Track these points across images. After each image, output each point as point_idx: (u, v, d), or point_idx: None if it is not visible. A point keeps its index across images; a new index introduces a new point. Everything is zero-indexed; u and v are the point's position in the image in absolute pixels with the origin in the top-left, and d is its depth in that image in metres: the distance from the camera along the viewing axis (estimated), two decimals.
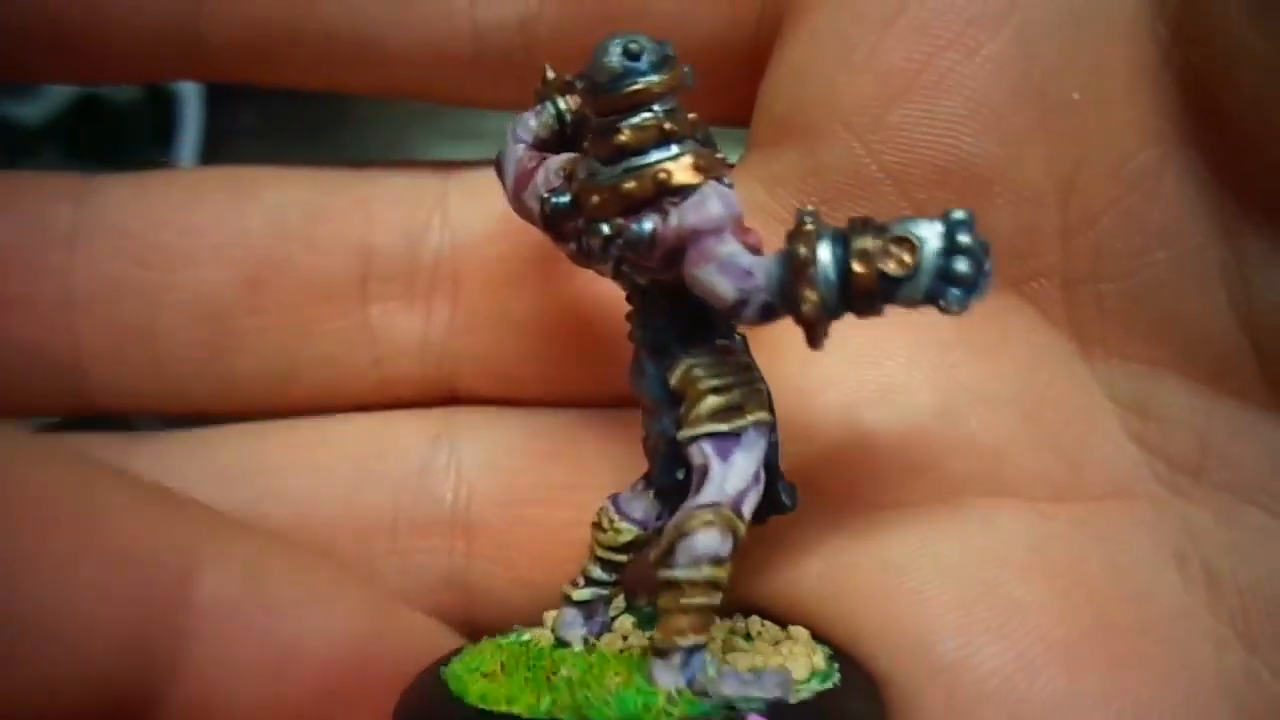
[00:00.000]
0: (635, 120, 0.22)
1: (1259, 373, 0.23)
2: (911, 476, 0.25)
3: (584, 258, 0.23)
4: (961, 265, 0.20)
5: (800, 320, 0.20)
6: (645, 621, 0.25)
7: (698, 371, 0.23)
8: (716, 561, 0.21)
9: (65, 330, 0.28)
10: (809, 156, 0.26)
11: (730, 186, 0.22)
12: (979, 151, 0.24)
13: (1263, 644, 0.23)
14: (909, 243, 0.20)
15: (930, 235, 0.20)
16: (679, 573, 0.21)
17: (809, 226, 0.20)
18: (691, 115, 0.22)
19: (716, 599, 0.22)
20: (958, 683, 0.23)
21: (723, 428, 0.22)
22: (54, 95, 0.57)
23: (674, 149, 0.22)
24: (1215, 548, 0.24)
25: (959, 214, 0.20)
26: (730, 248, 0.21)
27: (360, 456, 0.29)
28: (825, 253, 0.20)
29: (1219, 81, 0.22)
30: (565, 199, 0.23)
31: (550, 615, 0.26)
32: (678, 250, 0.21)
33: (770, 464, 0.23)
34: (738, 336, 0.24)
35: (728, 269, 0.21)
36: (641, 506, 0.24)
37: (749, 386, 0.23)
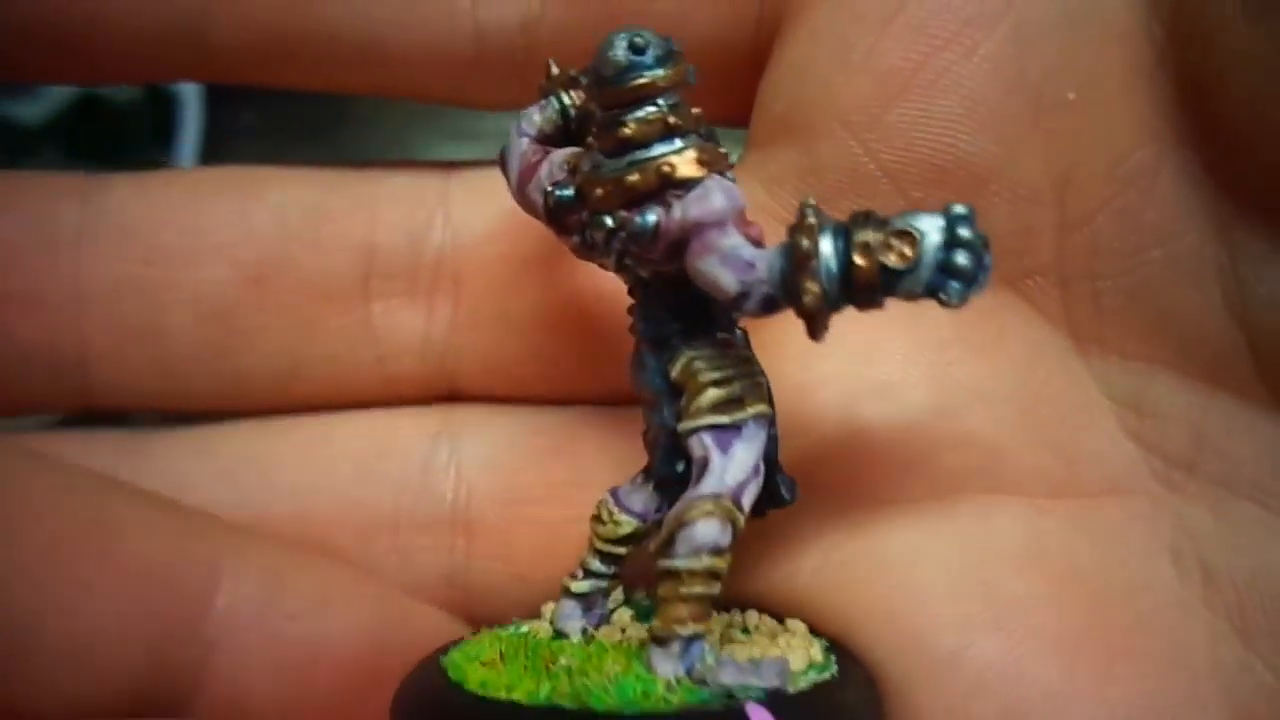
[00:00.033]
0: (640, 114, 0.22)
1: (1254, 370, 0.23)
2: (909, 472, 0.25)
3: (587, 250, 0.24)
4: (961, 259, 0.20)
5: (801, 312, 0.21)
6: (643, 614, 0.25)
7: (699, 364, 0.23)
8: (716, 551, 0.22)
9: (70, 328, 0.28)
10: (807, 155, 0.26)
11: (733, 180, 0.22)
12: (975, 150, 0.24)
13: (1258, 638, 0.23)
14: (910, 236, 0.20)
15: (931, 229, 0.20)
16: (679, 562, 0.22)
17: (811, 219, 0.21)
18: (695, 110, 0.22)
19: (716, 589, 0.22)
20: (953, 676, 0.23)
21: (723, 420, 0.22)
22: (54, 95, 0.57)
23: (678, 143, 0.22)
24: (1211, 543, 0.24)
25: (959, 208, 0.20)
26: (733, 240, 0.21)
27: (362, 454, 0.29)
28: (827, 245, 0.20)
29: (1214, 81, 0.22)
30: (569, 192, 0.23)
31: (548, 608, 0.26)
32: (680, 242, 0.22)
33: (770, 457, 0.23)
34: (738, 331, 0.24)
35: (730, 261, 0.21)
36: (641, 499, 0.24)
37: (750, 379, 0.23)
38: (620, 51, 0.22)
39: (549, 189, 0.24)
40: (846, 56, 0.25)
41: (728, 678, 0.21)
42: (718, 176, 0.22)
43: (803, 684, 0.22)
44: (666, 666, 0.22)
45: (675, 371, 0.23)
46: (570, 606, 0.25)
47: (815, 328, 0.21)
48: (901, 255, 0.20)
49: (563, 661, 0.23)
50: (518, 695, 0.21)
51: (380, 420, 0.30)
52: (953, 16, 0.24)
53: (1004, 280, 0.25)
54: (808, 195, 0.25)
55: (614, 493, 0.25)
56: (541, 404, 0.30)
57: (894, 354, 0.26)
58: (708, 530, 0.22)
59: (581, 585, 0.25)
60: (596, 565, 0.25)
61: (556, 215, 0.24)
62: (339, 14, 0.27)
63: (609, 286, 0.24)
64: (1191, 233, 0.23)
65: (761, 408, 0.23)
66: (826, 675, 0.23)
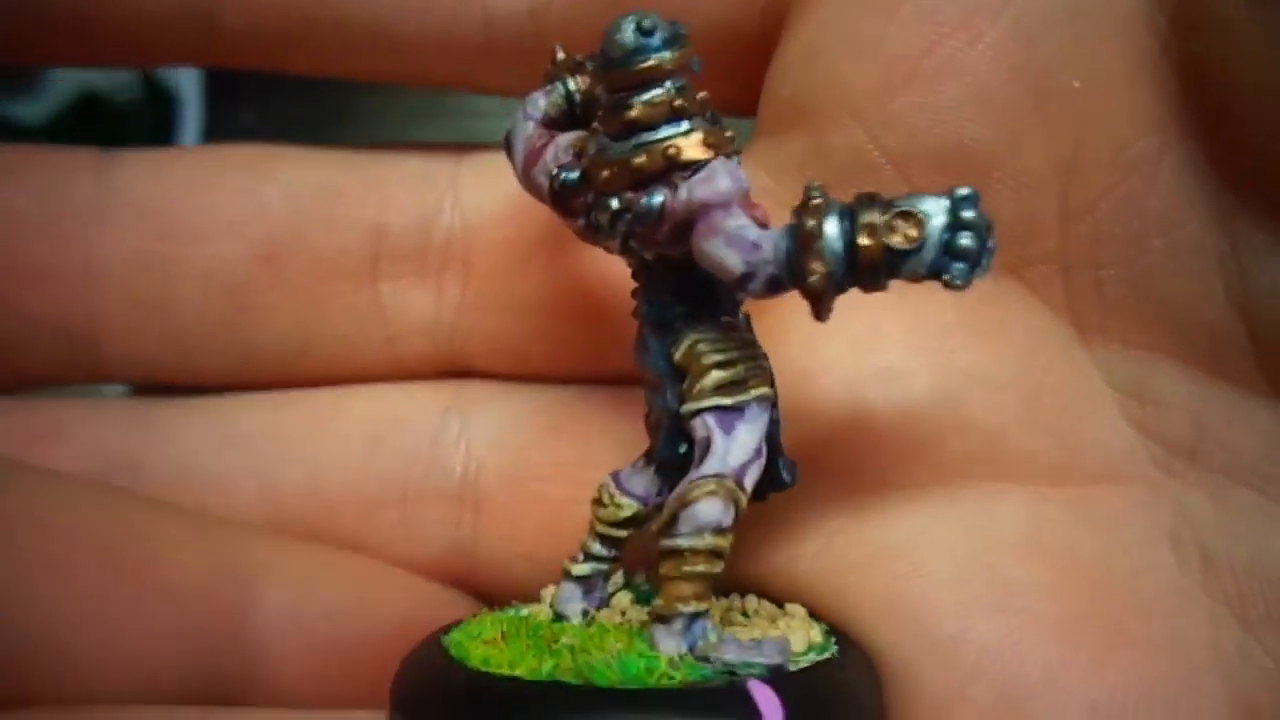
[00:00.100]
0: (646, 96, 0.22)
1: (1254, 358, 0.23)
2: (911, 458, 0.25)
3: (592, 233, 0.24)
4: (966, 240, 0.20)
5: (806, 293, 0.21)
6: (643, 598, 0.25)
7: (702, 346, 0.23)
8: (719, 531, 0.22)
9: (82, 303, 0.28)
10: (814, 142, 0.26)
11: (738, 163, 0.22)
12: (980, 137, 0.25)
13: (1257, 623, 0.23)
14: (915, 217, 0.20)
15: (935, 210, 0.20)
16: (681, 541, 0.22)
17: (816, 200, 0.21)
18: (701, 94, 0.23)
19: (718, 568, 0.22)
20: (953, 658, 0.23)
21: (726, 401, 0.23)
22: (54, 95, 0.57)
23: (684, 125, 0.22)
24: (1210, 529, 0.24)
25: (964, 190, 0.20)
26: (738, 221, 0.21)
27: (373, 426, 0.30)
28: (832, 226, 0.20)
29: (1218, 71, 0.23)
30: (574, 174, 0.23)
31: (548, 591, 0.26)
32: (686, 224, 0.22)
33: (772, 440, 0.23)
34: (741, 314, 0.24)
35: (735, 242, 0.21)
36: (642, 482, 0.25)
37: (753, 361, 0.23)
38: (628, 33, 0.22)
39: (555, 171, 0.24)
40: (854, 43, 0.25)
41: (730, 655, 0.21)
42: (723, 158, 0.22)
43: (803, 663, 0.22)
44: (669, 644, 0.22)
45: (679, 354, 0.23)
46: (570, 589, 0.25)
47: (820, 308, 0.21)
48: (906, 236, 0.20)
49: (565, 640, 0.23)
50: (520, 672, 0.21)
51: (391, 394, 0.30)
52: (958, 4, 0.24)
53: (1007, 267, 0.25)
54: (813, 180, 0.26)
55: (615, 476, 0.25)
56: (548, 383, 0.30)
57: (896, 340, 0.26)
58: (710, 509, 0.22)
59: (582, 568, 0.25)
60: (597, 548, 0.25)
61: (562, 198, 0.24)
62: None
63: (615, 269, 0.24)
64: (1193, 222, 0.24)
65: (764, 390, 0.23)
66: (827, 655, 0.23)
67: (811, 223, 0.20)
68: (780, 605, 0.25)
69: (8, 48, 0.28)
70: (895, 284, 0.21)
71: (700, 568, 0.22)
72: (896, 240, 0.20)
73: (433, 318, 0.30)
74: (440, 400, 0.30)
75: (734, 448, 0.22)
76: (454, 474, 0.29)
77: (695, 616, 0.22)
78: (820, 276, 0.20)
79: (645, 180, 0.22)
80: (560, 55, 0.25)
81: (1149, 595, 0.24)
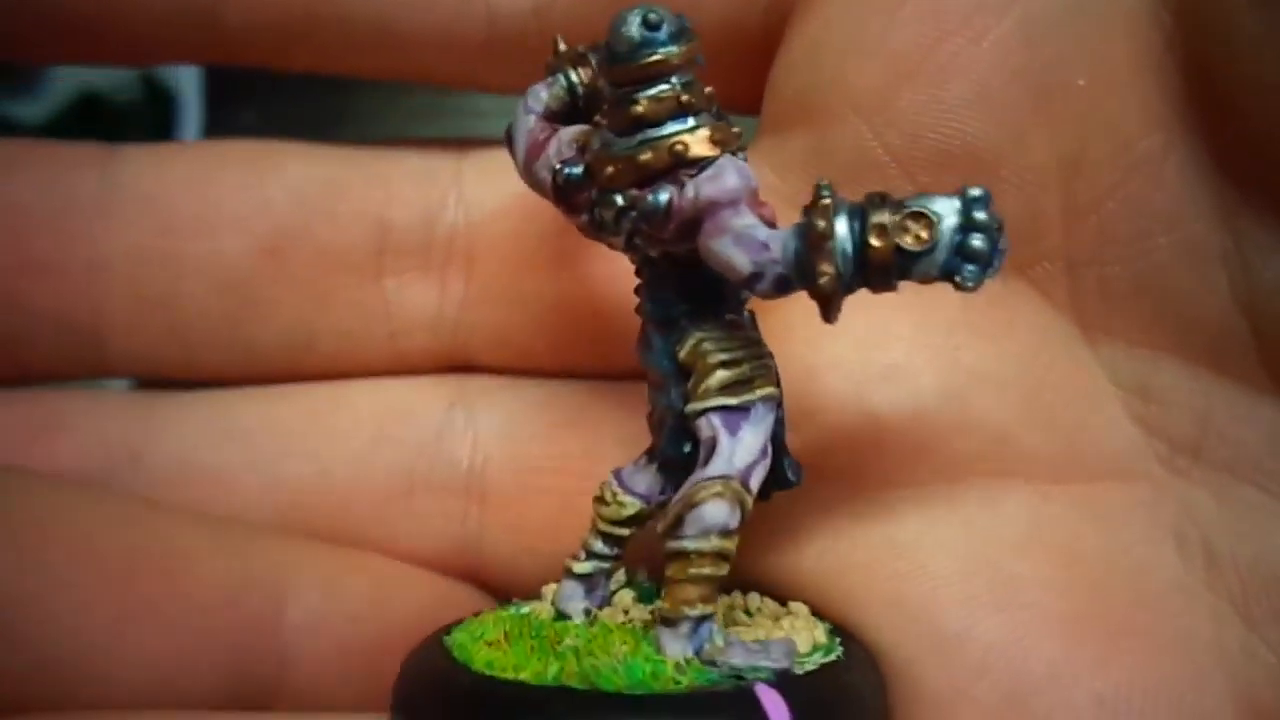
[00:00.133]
0: (652, 92, 0.22)
1: (1258, 356, 0.23)
2: (915, 456, 0.25)
3: (595, 229, 0.23)
4: (977, 241, 0.20)
5: (816, 294, 0.21)
6: (646, 596, 0.25)
7: (707, 345, 0.23)
8: (725, 533, 0.22)
9: (86, 297, 0.28)
10: (817, 139, 0.26)
11: (745, 160, 0.22)
12: (984, 135, 0.24)
13: (1261, 621, 0.23)
14: (926, 218, 0.20)
15: (947, 211, 0.20)
16: (688, 543, 0.22)
17: (826, 199, 0.20)
18: (707, 89, 0.22)
19: (724, 570, 0.22)
20: (957, 655, 0.23)
21: (731, 401, 0.22)
22: (54, 94, 0.57)
23: (690, 121, 0.22)
24: (1214, 527, 0.24)
25: (975, 191, 0.20)
26: (746, 220, 0.21)
27: (378, 419, 0.30)
28: (842, 226, 0.20)
29: (1222, 69, 0.22)
30: (578, 170, 0.23)
31: (549, 589, 0.26)
32: (693, 222, 0.22)
33: (777, 439, 0.23)
34: (745, 312, 0.24)
35: (744, 241, 0.21)
36: (645, 481, 0.24)
37: (758, 361, 0.23)
38: (634, 27, 0.22)
39: (558, 166, 0.23)
40: (859, 41, 0.25)
41: (736, 659, 0.21)
42: (731, 156, 0.22)
43: (809, 665, 0.22)
44: (675, 647, 0.22)
45: (684, 352, 0.23)
46: (572, 587, 0.25)
47: (829, 309, 0.21)
48: (917, 238, 0.20)
49: (568, 642, 0.22)
50: (525, 676, 0.21)
51: (394, 388, 0.30)
52: (962, 2, 0.24)
53: (1011, 266, 0.25)
54: (818, 178, 0.26)
55: (617, 474, 0.25)
56: (552, 379, 0.30)
57: (901, 338, 0.26)
58: (716, 511, 0.21)
59: (584, 566, 0.25)
60: (599, 546, 0.25)
61: (565, 193, 0.24)
62: None
63: (618, 266, 0.24)
64: (1198, 220, 0.23)
65: (769, 389, 0.23)
66: (832, 657, 0.23)
67: (822, 223, 0.20)
68: (783, 603, 0.25)
69: (8, 46, 0.28)
70: (902, 283, 0.21)
71: (706, 570, 0.22)
72: (908, 241, 0.20)
73: (436, 313, 0.30)
74: (444, 394, 0.30)
75: (739, 449, 0.22)
76: (460, 467, 0.29)
77: (701, 619, 0.22)
78: (830, 278, 0.20)
79: (651, 177, 0.22)
80: (562, 46, 0.25)
81: (1153, 592, 0.24)
